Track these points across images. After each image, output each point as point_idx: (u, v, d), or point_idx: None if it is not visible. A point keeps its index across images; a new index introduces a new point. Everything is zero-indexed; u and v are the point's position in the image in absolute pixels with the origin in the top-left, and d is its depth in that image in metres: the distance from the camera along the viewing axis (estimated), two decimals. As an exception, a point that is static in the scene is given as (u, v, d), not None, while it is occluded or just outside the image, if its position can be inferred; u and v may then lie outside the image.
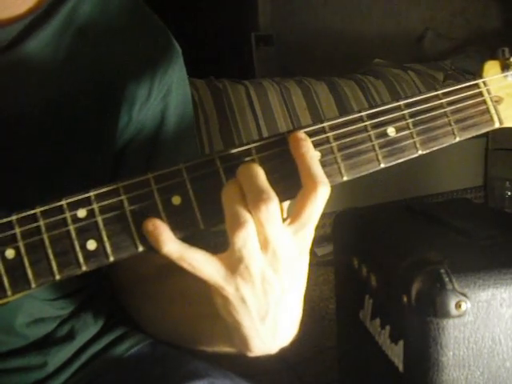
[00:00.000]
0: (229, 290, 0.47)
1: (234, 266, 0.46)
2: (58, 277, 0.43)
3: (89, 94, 0.63)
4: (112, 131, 0.65)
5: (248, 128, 2.22)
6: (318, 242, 2.13)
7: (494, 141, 2.41)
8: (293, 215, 0.46)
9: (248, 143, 0.47)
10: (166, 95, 0.67)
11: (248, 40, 3.49)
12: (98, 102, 0.63)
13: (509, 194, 2.40)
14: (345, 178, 0.49)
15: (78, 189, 0.46)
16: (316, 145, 0.48)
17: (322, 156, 0.48)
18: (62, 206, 0.44)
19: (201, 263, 0.45)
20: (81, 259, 0.44)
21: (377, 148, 0.50)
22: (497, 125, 0.53)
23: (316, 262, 2.05)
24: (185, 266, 0.45)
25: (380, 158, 0.50)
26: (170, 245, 0.44)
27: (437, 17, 3.50)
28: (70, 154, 0.62)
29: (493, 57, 0.54)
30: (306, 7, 3.59)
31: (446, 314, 0.76)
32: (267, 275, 0.47)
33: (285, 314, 0.50)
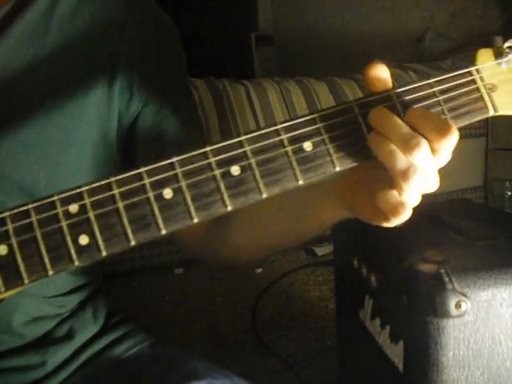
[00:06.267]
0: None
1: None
2: (50, 272, 0.43)
3: (79, 77, 0.62)
4: (110, 114, 0.64)
5: (248, 128, 2.22)
6: (317, 242, 2.13)
7: (494, 141, 2.40)
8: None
9: (241, 140, 0.47)
10: (161, 62, 0.67)
11: (248, 40, 3.49)
12: (90, 85, 0.63)
13: (509, 194, 2.40)
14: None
15: (80, 180, 0.45)
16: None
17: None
18: (54, 201, 0.44)
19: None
20: (73, 254, 0.44)
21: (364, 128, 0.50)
22: (491, 112, 0.51)
23: (316, 262, 2.05)
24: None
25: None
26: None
27: (437, 17, 3.50)
28: (64, 141, 0.62)
29: (486, 45, 0.53)
30: (306, 7, 3.59)
31: (446, 314, 0.76)
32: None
33: None
